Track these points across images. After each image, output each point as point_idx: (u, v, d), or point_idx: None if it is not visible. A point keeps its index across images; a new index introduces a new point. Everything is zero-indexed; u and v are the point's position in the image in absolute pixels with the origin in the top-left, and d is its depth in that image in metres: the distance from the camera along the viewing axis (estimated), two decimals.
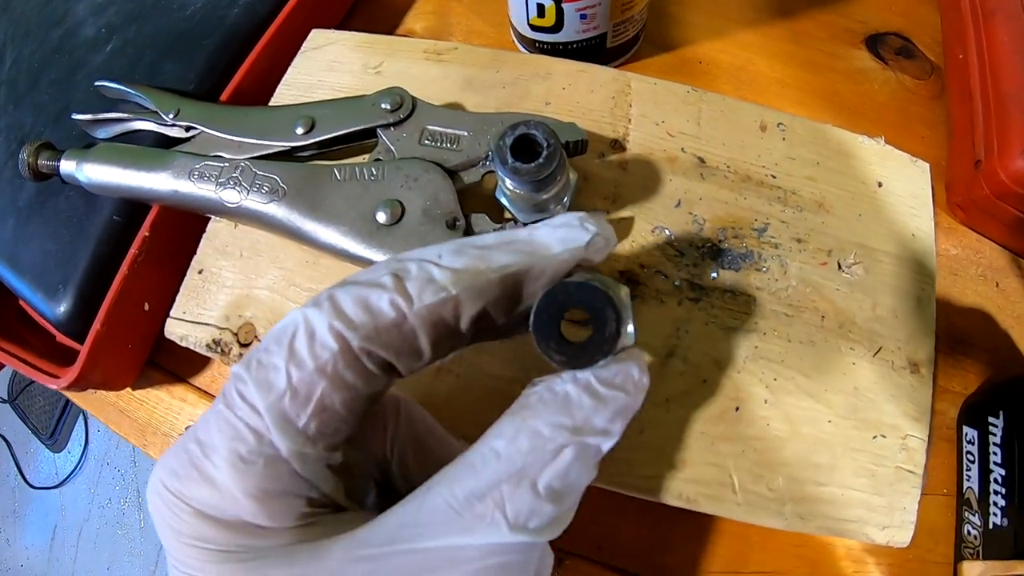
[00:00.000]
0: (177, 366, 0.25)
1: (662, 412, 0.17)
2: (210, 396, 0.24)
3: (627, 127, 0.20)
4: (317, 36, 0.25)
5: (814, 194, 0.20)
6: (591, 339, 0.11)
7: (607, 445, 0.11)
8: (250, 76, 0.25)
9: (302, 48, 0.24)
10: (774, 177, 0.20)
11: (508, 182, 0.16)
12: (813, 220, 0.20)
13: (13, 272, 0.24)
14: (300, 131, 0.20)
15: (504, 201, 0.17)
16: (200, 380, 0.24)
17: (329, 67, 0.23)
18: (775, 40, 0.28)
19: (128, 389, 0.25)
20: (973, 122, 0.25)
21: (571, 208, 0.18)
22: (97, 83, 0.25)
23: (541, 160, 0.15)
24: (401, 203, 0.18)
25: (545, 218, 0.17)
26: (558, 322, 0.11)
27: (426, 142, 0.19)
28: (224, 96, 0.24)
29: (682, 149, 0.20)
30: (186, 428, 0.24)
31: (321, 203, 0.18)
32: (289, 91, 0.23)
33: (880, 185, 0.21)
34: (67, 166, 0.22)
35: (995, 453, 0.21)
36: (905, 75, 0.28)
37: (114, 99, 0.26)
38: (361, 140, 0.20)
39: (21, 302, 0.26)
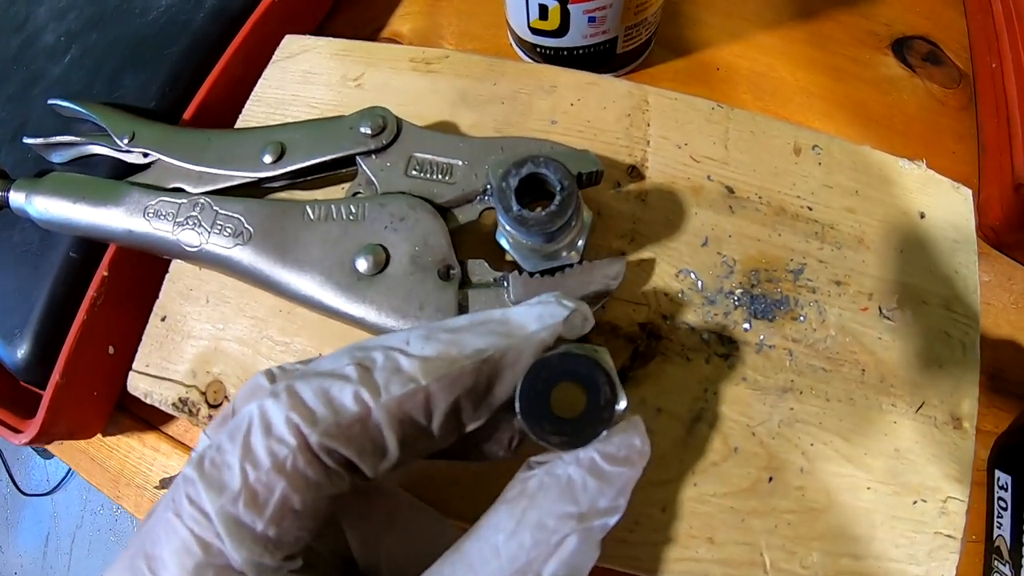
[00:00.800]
0: (148, 412, 0.21)
1: (687, 488, 0.14)
2: (184, 446, 0.20)
3: (645, 150, 0.17)
4: (290, 43, 0.20)
5: (854, 228, 0.17)
6: (587, 411, 0.10)
7: (613, 522, 0.10)
8: (217, 89, 0.21)
9: (274, 57, 0.20)
10: (810, 209, 0.17)
11: (510, 229, 0.12)
12: (853, 258, 0.16)
13: None
14: (268, 159, 0.16)
15: (506, 245, 0.14)
16: (173, 428, 0.21)
17: (304, 79, 0.19)
18: (797, 44, 0.24)
19: (99, 435, 0.21)
20: (1011, 140, 0.21)
21: (585, 253, 0.14)
22: (50, 102, 0.21)
23: (554, 207, 0.11)
24: (385, 248, 0.14)
25: (555, 266, 0.13)
26: (547, 400, 0.10)
27: (413, 173, 0.15)
28: (188, 113, 0.20)
29: (708, 177, 0.16)
30: (160, 480, 0.20)
31: (292, 248, 0.14)
32: (259, 107, 0.19)
33: (922, 216, 0.17)
34: (16, 198, 0.18)
35: None
36: (933, 83, 0.24)
37: (68, 118, 0.22)
38: (338, 169, 0.16)
39: None
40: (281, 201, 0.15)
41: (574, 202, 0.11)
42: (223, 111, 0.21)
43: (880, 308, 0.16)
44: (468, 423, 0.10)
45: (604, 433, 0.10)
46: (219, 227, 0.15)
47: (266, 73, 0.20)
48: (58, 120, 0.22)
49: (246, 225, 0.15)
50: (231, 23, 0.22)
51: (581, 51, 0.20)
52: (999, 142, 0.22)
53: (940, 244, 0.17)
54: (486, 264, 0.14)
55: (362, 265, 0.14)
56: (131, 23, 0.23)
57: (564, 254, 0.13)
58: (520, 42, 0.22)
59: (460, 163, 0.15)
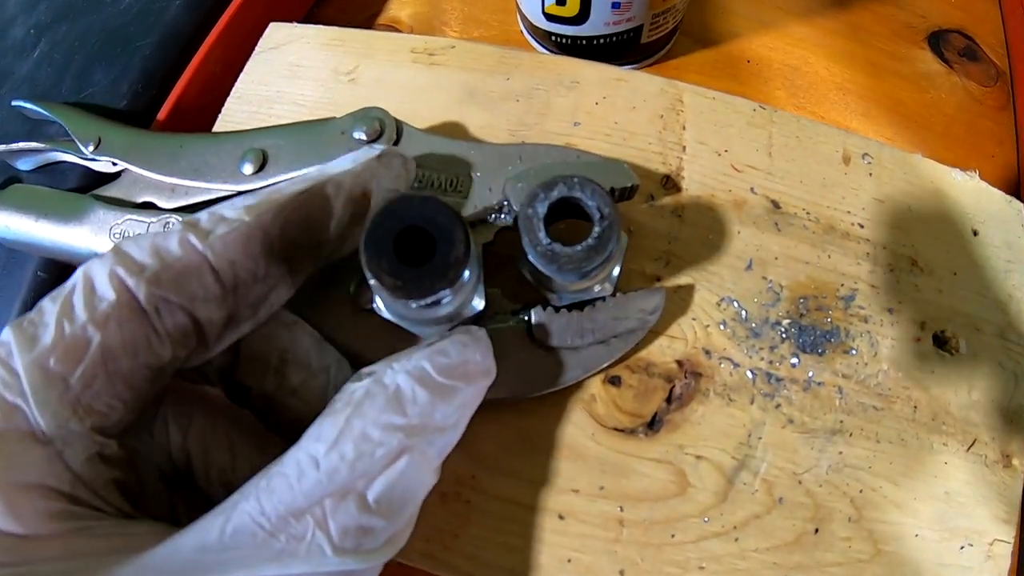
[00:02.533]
0: None
1: (728, 544, 0.12)
2: None
3: (681, 158, 0.14)
4: (275, 32, 0.17)
5: (906, 249, 0.14)
6: (432, 263, 0.08)
7: (451, 441, 0.09)
8: (194, 86, 0.17)
9: (257, 48, 0.17)
10: (862, 227, 0.14)
11: (536, 266, 0.09)
12: (906, 283, 0.14)
13: None
14: (248, 170, 0.13)
15: (529, 276, 0.11)
16: None
17: (291, 73, 0.16)
18: (831, 35, 0.21)
19: None
20: None
21: (619, 283, 0.11)
22: (14, 103, 0.18)
23: (591, 241, 0.08)
24: None
25: (585, 299, 0.11)
26: (392, 239, 0.08)
27: (416, 186, 0.12)
28: (163, 113, 0.17)
29: (751, 189, 0.13)
30: None
31: None
32: (241, 106, 0.16)
33: (975, 233, 0.15)
34: None
35: None
36: (971, 81, 0.21)
37: (36, 120, 0.18)
38: None
39: None
40: None
41: (615, 234, 0.08)
42: (202, 110, 0.17)
43: (934, 337, 0.13)
44: (304, 264, 0.09)
45: (447, 296, 0.08)
46: None
47: (248, 66, 0.16)
48: (26, 123, 0.18)
49: None
50: (209, 12, 0.18)
51: (602, 40, 0.17)
52: None
53: (994, 265, 0.15)
54: (501, 294, 0.11)
55: (364, 300, 0.11)
56: (102, 13, 0.19)
57: (597, 288, 0.10)
58: (533, 30, 0.18)
59: (472, 175, 0.12)
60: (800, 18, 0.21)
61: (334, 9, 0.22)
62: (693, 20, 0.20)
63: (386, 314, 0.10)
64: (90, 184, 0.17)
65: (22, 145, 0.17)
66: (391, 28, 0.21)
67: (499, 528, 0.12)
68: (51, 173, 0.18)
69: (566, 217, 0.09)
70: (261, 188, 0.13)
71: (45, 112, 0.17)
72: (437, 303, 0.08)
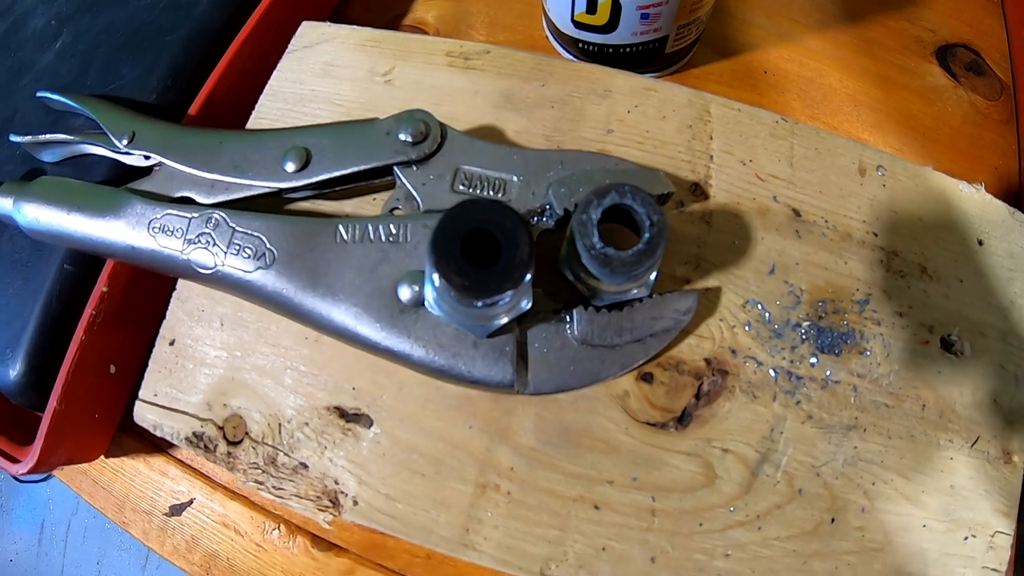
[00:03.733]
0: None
1: (751, 532, 0.13)
2: (194, 471, 0.19)
3: (709, 166, 0.15)
4: (308, 30, 0.18)
5: (917, 256, 0.15)
6: (498, 265, 0.09)
7: None
8: (225, 82, 0.18)
9: (290, 46, 0.18)
10: (876, 235, 0.15)
11: (589, 268, 0.10)
12: (916, 288, 0.15)
13: None
14: (291, 167, 0.14)
15: (569, 275, 0.12)
16: (182, 452, 0.19)
17: (325, 72, 0.17)
18: (844, 48, 0.22)
19: (102, 457, 0.19)
20: None
21: (656, 284, 0.12)
22: (39, 94, 0.18)
23: (643, 246, 0.09)
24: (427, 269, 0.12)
25: (623, 300, 0.12)
26: (460, 241, 0.09)
27: (461, 188, 0.13)
28: (194, 108, 0.18)
29: (774, 198, 0.15)
30: (169, 507, 0.18)
31: (323, 273, 0.12)
32: (275, 103, 0.17)
33: (981, 243, 0.16)
34: (2, 204, 0.16)
35: None
36: (976, 95, 0.23)
37: (60, 112, 0.19)
38: (370, 180, 0.14)
39: None
40: (309, 219, 0.13)
41: (663, 240, 0.10)
42: (232, 107, 0.18)
43: (942, 340, 0.15)
44: None
45: (507, 296, 0.09)
46: (237, 247, 0.13)
47: (282, 64, 0.17)
48: (49, 114, 0.19)
49: (268, 246, 0.13)
50: (239, 8, 0.19)
51: (628, 49, 0.18)
52: None
53: (997, 273, 0.16)
54: (542, 295, 0.12)
55: (405, 294, 0.12)
56: (127, 6, 0.20)
57: (635, 290, 0.12)
58: (559, 36, 0.19)
59: (515, 179, 0.13)
60: (815, 31, 0.22)
61: (360, 8, 0.23)
62: (714, 31, 0.21)
63: (436, 311, 0.11)
64: (118, 178, 0.17)
65: (51, 137, 0.18)
66: (417, 29, 0.22)
67: (537, 519, 0.13)
68: (77, 166, 0.18)
69: (612, 222, 0.10)
70: (304, 185, 0.14)
71: (74, 104, 0.17)
72: (496, 302, 0.09)
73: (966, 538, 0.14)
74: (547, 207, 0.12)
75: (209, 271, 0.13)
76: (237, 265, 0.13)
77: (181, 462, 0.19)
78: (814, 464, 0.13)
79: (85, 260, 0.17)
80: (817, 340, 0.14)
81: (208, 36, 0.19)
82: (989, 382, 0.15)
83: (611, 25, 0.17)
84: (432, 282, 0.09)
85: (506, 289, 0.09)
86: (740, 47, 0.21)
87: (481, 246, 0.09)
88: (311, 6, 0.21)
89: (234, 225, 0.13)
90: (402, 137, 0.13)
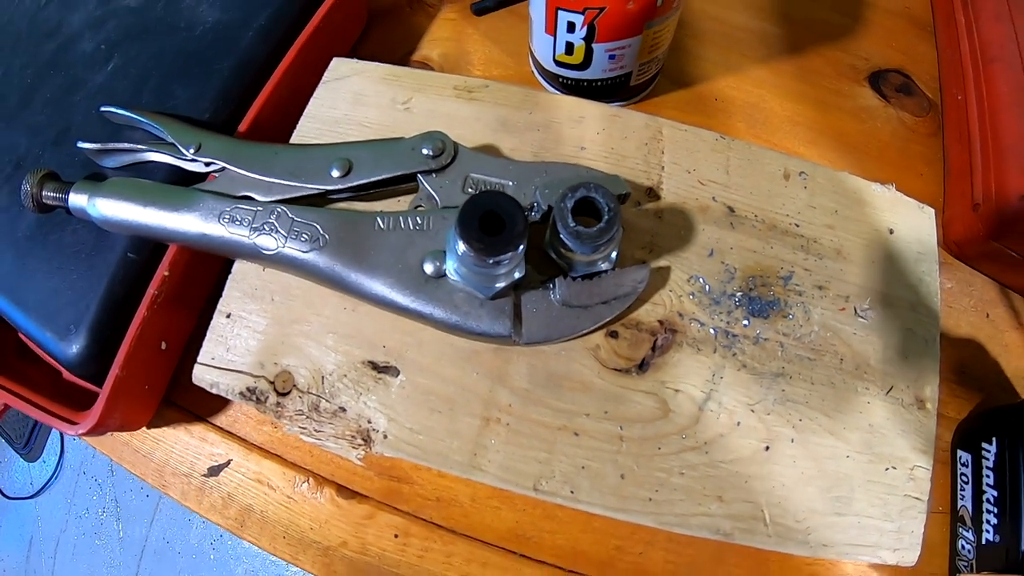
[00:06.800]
0: (195, 404, 0.24)
1: (701, 456, 0.18)
2: (232, 435, 0.24)
3: (660, 175, 0.21)
4: (339, 66, 0.24)
5: (833, 242, 0.21)
6: (504, 234, 0.15)
7: None
8: (268, 106, 0.24)
9: (324, 78, 0.24)
10: (797, 226, 0.21)
11: (566, 242, 0.16)
12: (833, 267, 0.21)
13: (16, 307, 0.23)
14: (336, 174, 0.20)
15: (553, 255, 0.18)
16: (222, 419, 0.24)
17: (355, 100, 0.23)
18: (785, 77, 0.29)
19: (143, 428, 0.24)
20: (972, 166, 0.27)
21: (617, 263, 0.18)
22: (103, 108, 0.24)
23: (603, 224, 0.15)
24: (447, 251, 0.18)
25: (593, 272, 0.18)
26: (478, 219, 0.15)
27: (470, 190, 0.19)
28: (243, 127, 0.24)
29: (713, 198, 0.21)
30: (208, 468, 0.23)
31: (366, 254, 0.18)
32: (313, 124, 0.23)
33: (891, 232, 0.22)
34: (77, 199, 0.21)
35: (988, 476, 0.23)
36: (905, 112, 0.30)
37: (119, 125, 0.25)
38: (398, 184, 0.20)
39: (20, 335, 0.25)
40: (353, 212, 0.19)
41: (617, 221, 0.16)
42: (274, 126, 0.24)
43: (855, 309, 0.21)
44: None
45: (509, 257, 0.15)
46: (295, 233, 0.19)
47: (318, 92, 0.24)
48: (106, 126, 0.25)
49: (322, 232, 0.18)
50: (279, 43, 0.25)
51: (599, 83, 0.25)
52: (961, 167, 0.28)
53: (907, 255, 0.22)
54: (532, 269, 0.18)
55: (429, 268, 0.18)
56: (176, 36, 0.26)
57: (601, 264, 0.17)
58: (543, 72, 0.26)
59: (510, 183, 0.19)
60: (760, 63, 0.29)
61: (374, 43, 0.29)
62: (672, 65, 0.28)
63: (454, 277, 0.17)
64: (177, 181, 0.23)
65: (124, 145, 0.23)
66: (424, 65, 0.28)
67: (530, 444, 0.18)
68: (138, 171, 0.24)
69: (583, 214, 0.16)
70: (346, 188, 0.20)
71: (140, 118, 0.23)
72: (500, 263, 0.15)
73: (887, 469, 0.20)
74: (535, 204, 0.18)
75: (271, 252, 0.19)
76: (296, 247, 0.18)
77: (220, 428, 0.24)
78: (749, 403, 0.19)
79: (146, 249, 0.23)
80: (749, 307, 0.20)
81: (253, 65, 0.25)
82: (901, 342, 0.21)
83: (585, 64, 0.24)
84: (456, 250, 0.15)
85: (509, 251, 0.14)
86: (694, 79, 0.28)
87: (491, 223, 0.15)
88: (336, 43, 0.28)
89: (293, 216, 0.19)
90: (424, 152, 0.19)
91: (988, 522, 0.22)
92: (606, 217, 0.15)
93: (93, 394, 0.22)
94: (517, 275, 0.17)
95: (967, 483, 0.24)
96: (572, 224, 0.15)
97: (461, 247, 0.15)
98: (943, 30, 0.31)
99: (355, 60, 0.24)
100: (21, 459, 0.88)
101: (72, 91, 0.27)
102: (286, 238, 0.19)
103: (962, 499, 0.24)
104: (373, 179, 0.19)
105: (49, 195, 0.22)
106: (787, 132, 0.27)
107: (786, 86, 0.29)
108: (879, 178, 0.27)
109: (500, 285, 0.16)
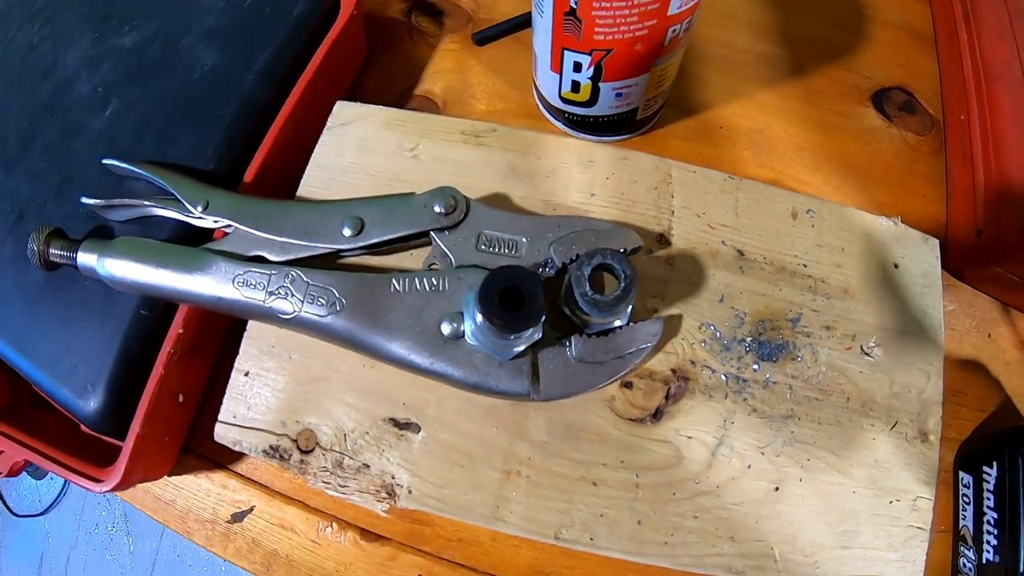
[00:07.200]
0: (214, 452, 0.25)
1: (713, 499, 0.19)
2: (253, 482, 0.24)
3: (671, 220, 0.22)
4: (343, 110, 0.24)
5: (840, 281, 0.22)
6: (524, 310, 0.15)
7: None
8: (274, 152, 0.24)
9: (328, 124, 0.24)
10: (805, 266, 0.22)
11: (583, 308, 0.17)
12: (840, 306, 0.22)
13: (29, 362, 0.24)
14: (348, 232, 0.20)
15: (567, 311, 0.18)
16: (242, 467, 0.25)
17: (361, 147, 0.23)
18: (790, 100, 0.29)
19: (166, 476, 0.25)
20: (975, 188, 0.27)
21: (632, 315, 0.19)
22: (105, 161, 0.24)
23: (619, 292, 0.16)
24: (464, 313, 0.18)
25: (608, 328, 0.18)
26: (498, 296, 0.15)
27: (483, 247, 0.19)
28: (249, 175, 0.24)
29: (723, 242, 0.21)
30: (231, 515, 0.24)
31: (383, 316, 0.18)
32: (319, 173, 0.23)
33: (896, 266, 0.23)
34: (86, 259, 0.21)
35: (988, 498, 0.24)
36: (908, 132, 0.30)
37: (122, 175, 0.25)
38: (411, 241, 0.20)
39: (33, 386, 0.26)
40: (368, 274, 0.19)
41: (634, 287, 0.16)
42: (280, 171, 0.25)
43: (862, 346, 0.21)
44: None
45: (530, 330, 0.15)
46: (312, 297, 0.19)
47: (323, 139, 0.24)
48: (109, 175, 0.25)
49: (338, 295, 0.19)
50: (280, 84, 0.25)
51: (606, 118, 0.25)
52: (964, 188, 0.28)
53: (911, 290, 0.23)
54: (549, 327, 0.19)
55: (446, 329, 0.18)
56: (175, 79, 0.26)
57: (616, 321, 0.18)
58: (548, 106, 0.26)
59: (523, 239, 0.19)
60: (764, 85, 0.29)
61: (375, 79, 0.29)
62: (677, 92, 0.28)
63: (473, 342, 0.17)
64: (186, 237, 0.23)
65: (128, 201, 0.24)
66: (426, 99, 0.28)
67: (550, 495, 0.19)
68: (145, 226, 0.24)
69: (599, 270, 0.17)
70: (359, 247, 0.20)
71: (144, 173, 0.23)
72: (521, 335, 0.16)
73: (891, 502, 0.21)
74: (549, 260, 0.19)
75: (289, 316, 0.19)
76: (313, 311, 0.19)
77: (240, 475, 0.24)
78: (759, 446, 0.20)
79: (159, 306, 0.23)
80: (758, 351, 0.20)
81: (256, 109, 0.25)
82: (904, 378, 0.22)
83: (592, 101, 0.24)
84: (474, 321, 0.16)
85: (530, 327, 0.15)
86: (699, 106, 0.28)
87: (510, 297, 0.15)
88: (338, 80, 0.27)
89: (308, 280, 0.19)
90: (436, 209, 0.19)
91: (988, 542, 0.23)
92: (622, 285, 0.16)
93: (112, 444, 0.22)
94: (536, 336, 0.17)
95: (969, 504, 0.25)
96: (590, 293, 0.16)
97: (480, 318, 0.15)
98: (945, 46, 0.32)
99: (358, 104, 0.24)
100: (29, 476, 0.90)
101: (71, 137, 0.27)
102: (302, 302, 0.19)
103: (964, 519, 0.25)
104: (385, 238, 0.20)
105: (56, 253, 0.22)
106: (792, 158, 0.28)
107: (791, 109, 0.29)
108: (884, 202, 0.28)
109: (518, 349, 0.17)
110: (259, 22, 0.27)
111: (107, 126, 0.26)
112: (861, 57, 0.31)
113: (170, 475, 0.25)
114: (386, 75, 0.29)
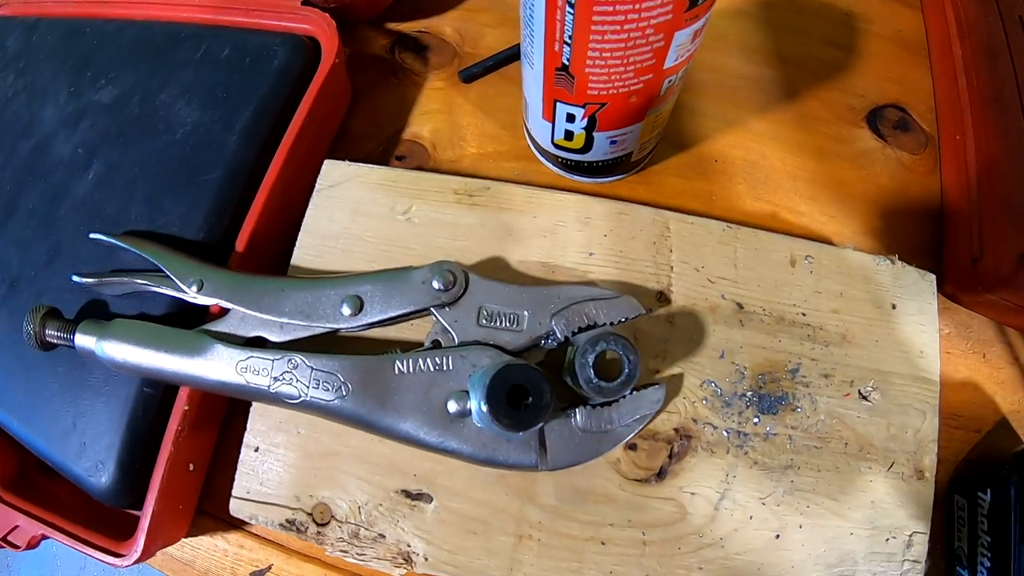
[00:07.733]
0: (227, 512, 0.25)
1: (718, 550, 0.20)
2: (269, 542, 0.25)
3: (670, 276, 0.22)
4: (331, 170, 0.24)
5: (838, 327, 0.23)
6: (531, 409, 0.16)
7: None
8: (264, 217, 0.24)
9: (318, 185, 0.24)
10: (804, 315, 0.22)
11: (587, 391, 0.17)
12: (838, 354, 0.22)
13: (37, 439, 0.24)
14: (347, 312, 0.20)
15: (571, 383, 0.19)
16: (256, 527, 0.25)
17: (353, 210, 0.23)
18: (784, 126, 0.29)
19: (183, 539, 0.25)
20: (970, 214, 0.27)
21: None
22: (92, 236, 0.24)
23: (623, 378, 0.16)
24: (470, 393, 0.19)
25: (612, 399, 0.19)
26: (505, 395, 0.16)
27: (484, 322, 0.20)
28: (240, 245, 0.24)
29: (722, 296, 0.22)
30: (250, 574, 0.25)
31: (390, 398, 0.19)
32: (312, 239, 0.23)
33: (894, 307, 0.23)
34: (83, 341, 0.22)
35: (983, 522, 0.25)
36: (903, 151, 0.30)
37: (112, 247, 0.25)
38: (411, 317, 0.20)
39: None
40: (372, 356, 0.19)
41: (638, 371, 0.17)
42: (272, 237, 0.24)
43: (859, 391, 0.22)
44: None
45: (540, 424, 0.16)
46: (317, 382, 0.19)
47: (313, 202, 0.24)
48: (98, 247, 0.25)
49: (343, 380, 0.19)
50: (265, 143, 0.25)
51: (600, 163, 0.25)
52: (960, 213, 0.28)
53: (908, 330, 0.23)
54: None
55: (453, 407, 0.19)
56: (157, 140, 0.26)
57: (620, 395, 0.18)
58: (541, 151, 0.26)
59: (525, 313, 0.19)
60: (758, 113, 0.29)
61: (361, 122, 0.29)
62: (670, 126, 0.28)
63: (479, 423, 0.18)
64: (181, 313, 0.23)
65: (121, 280, 0.23)
66: (415, 144, 0.28)
67: (561, 556, 0.20)
68: (139, 300, 0.24)
69: (604, 355, 0.17)
70: (359, 326, 0.20)
71: (135, 250, 0.23)
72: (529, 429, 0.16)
73: (887, 539, 0.22)
74: (551, 333, 0.19)
75: (296, 401, 0.19)
76: (319, 396, 0.19)
77: (255, 535, 0.25)
78: (760, 496, 0.21)
79: (161, 384, 0.23)
80: (759, 405, 0.21)
81: (243, 172, 0.25)
82: (901, 418, 0.22)
83: (586, 148, 0.24)
84: (481, 413, 0.16)
85: (538, 423, 0.15)
86: (693, 139, 0.28)
87: (518, 391, 0.16)
88: (323, 131, 0.27)
89: (312, 365, 0.19)
90: (435, 285, 0.20)
91: (983, 564, 0.25)
92: (626, 370, 0.16)
93: (126, 512, 0.23)
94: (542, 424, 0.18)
95: (963, 526, 0.26)
96: (594, 380, 0.16)
97: (488, 415, 0.16)
98: (939, 62, 0.31)
99: (347, 164, 0.24)
100: None
101: (56, 202, 0.26)
102: (308, 387, 0.19)
103: (959, 540, 0.26)
104: (385, 316, 0.20)
105: (53, 334, 0.22)
106: (788, 189, 0.28)
107: (785, 137, 0.29)
108: (878, 227, 0.28)
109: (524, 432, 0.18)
110: (239, 75, 0.26)
111: (92, 191, 0.26)
112: (854, 75, 0.31)
113: (186, 536, 0.25)
114: (373, 117, 0.29)
